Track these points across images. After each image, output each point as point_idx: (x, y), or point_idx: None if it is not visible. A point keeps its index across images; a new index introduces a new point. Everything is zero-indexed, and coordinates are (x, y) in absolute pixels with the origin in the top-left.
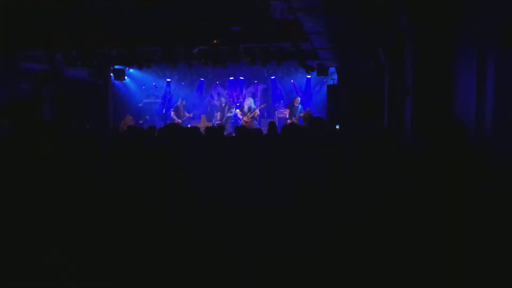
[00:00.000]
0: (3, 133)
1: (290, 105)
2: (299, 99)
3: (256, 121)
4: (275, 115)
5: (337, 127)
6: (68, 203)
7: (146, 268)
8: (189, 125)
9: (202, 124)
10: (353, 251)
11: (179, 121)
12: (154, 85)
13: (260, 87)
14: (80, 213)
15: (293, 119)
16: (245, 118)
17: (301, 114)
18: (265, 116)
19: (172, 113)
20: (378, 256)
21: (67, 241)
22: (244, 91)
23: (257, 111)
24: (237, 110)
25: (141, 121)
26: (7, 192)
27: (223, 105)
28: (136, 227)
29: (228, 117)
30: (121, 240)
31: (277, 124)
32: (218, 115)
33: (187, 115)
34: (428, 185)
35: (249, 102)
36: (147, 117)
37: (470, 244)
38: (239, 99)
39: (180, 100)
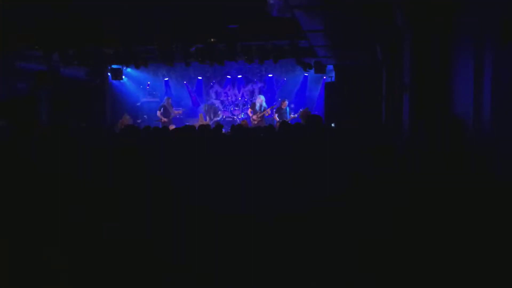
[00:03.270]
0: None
1: (278, 109)
2: (287, 102)
3: (266, 121)
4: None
5: (333, 125)
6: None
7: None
8: (186, 123)
9: (200, 122)
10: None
11: (166, 120)
12: (148, 84)
13: (257, 85)
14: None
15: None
16: (254, 117)
17: (293, 116)
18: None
19: (158, 112)
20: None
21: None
22: (242, 90)
23: (268, 111)
24: (249, 108)
25: (139, 121)
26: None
27: (206, 108)
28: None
29: (215, 121)
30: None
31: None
32: (200, 116)
33: (176, 112)
34: (426, 182)
35: (260, 100)
36: (145, 116)
37: (471, 244)
38: (238, 98)
39: (165, 99)
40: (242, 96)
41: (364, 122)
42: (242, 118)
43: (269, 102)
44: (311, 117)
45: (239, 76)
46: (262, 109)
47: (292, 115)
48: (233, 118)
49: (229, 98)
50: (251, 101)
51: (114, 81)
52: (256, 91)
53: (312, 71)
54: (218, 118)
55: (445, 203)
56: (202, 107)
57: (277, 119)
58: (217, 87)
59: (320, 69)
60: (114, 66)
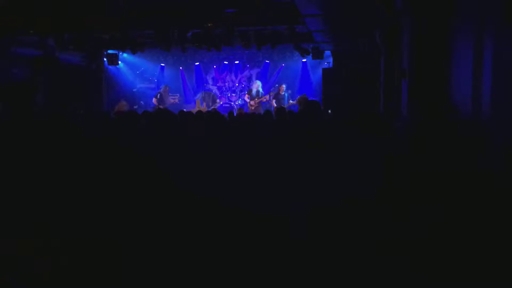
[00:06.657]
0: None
1: (276, 95)
2: (284, 86)
3: (263, 107)
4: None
5: (329, 111)
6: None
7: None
8: (184, 109)
9: (197, 108)
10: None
11: (161, 107)
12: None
13: (255, 71)
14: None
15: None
16: (252, 102)
17: (291, 102)
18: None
19: (154, 99)
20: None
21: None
22: (239, 76)
23: (267, 97)
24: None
25: (135, 106)
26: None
27: (204, 95)
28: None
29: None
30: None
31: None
32: (196, 102)
33: (172, 100)
34: (423, 167)
35: (257, 85)
36: (142, 102)
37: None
38: (235, 84)
39: (163, 86)
40: (240, 82)
41: (362, 108)
42: (240, 105)
43: (267, 88)
44: (309, 102)
45: (237, 62)
46: (259, 95)
47: (290, 101)
48: (230, 104)
49: (226, 84)
50: (248, 87)
51: (110, 67)
52: (254, 77)
53: (310, 57)
54: (217, 106)
55: (442, 185)
56: (200, 94)
57: (275, 105)
58: (214, 73)
59: (318, 54)
60: (110, 51)
